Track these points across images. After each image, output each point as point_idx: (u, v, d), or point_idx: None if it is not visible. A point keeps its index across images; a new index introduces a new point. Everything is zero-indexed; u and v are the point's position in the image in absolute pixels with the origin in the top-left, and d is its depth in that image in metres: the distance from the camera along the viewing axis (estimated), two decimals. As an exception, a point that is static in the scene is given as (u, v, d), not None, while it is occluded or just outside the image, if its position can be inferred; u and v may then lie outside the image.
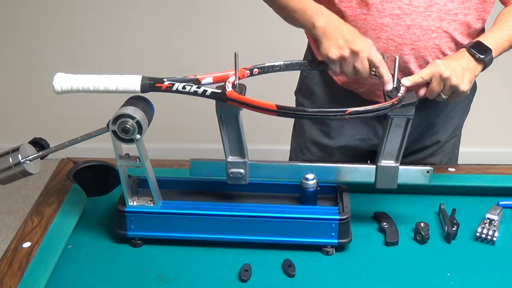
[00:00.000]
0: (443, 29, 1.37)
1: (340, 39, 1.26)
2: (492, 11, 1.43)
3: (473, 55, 1.34)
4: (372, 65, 1.26)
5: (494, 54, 1.35)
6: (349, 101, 1.46)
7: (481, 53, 1.34)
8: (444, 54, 1.41)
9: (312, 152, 1.61)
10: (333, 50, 1.26)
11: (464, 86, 1.31)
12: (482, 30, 1.46)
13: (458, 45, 1.41)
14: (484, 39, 1.37)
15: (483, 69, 1.36)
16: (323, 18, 1.30)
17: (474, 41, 1.37)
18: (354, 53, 1.24)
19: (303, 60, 1.62)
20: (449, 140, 1.61)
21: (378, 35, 1.37)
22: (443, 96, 1.32)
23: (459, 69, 1.30)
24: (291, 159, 1.70)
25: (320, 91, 1.56)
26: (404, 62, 1.40)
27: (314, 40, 1.54)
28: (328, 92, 1.54)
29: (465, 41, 1.41)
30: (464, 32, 1.40)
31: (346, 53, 1.25)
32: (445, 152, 1.62)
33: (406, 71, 1.39)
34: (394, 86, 1.25)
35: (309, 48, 1.61)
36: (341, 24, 1.29)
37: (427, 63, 1.40)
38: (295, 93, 1.66)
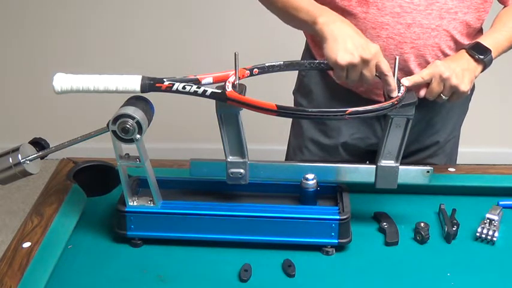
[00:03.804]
0: (443, 28, 1.38)
1: (349, 44, 1.22)
2: (490, 12, 1.43)
3: (472, 56, 1.34)
4: (379, 72, 1.24)
5: (493, 54, 1.35)
6: (348, 100, 1.46)
7: (480, 53, 1.34)
8: (444, 53, 1.41)
9: (311, 151, 1.61)
10: (341, 54, 1.22)
11: (465, 87, 1.31)
12: (480, 31, 1.47)
13: (457, 44, 1.41)
14: (483, 40, 1.37)
15: (483, 69, 1.36)
16: (326, 17, 1.28)
17: (473, 42, 1.37)
18: (365, 61, 1.22)
19: (301, 59, 1.62)
20: (448, 140, 1.61)
21: (378, 33, 1.37)
22: (444, 97, 1.32)
23: (459, 70, 1.31)
24: (289, 158, 1.70)
25: (318, 90, 1.56)
26: (404, 61, 1.40)
27: (312, 39, 1.54)
28: (327, 91, 1.54)
29: (464, 40, 1.42)
30: (464, 31, 1.41)
31: (356, 60, 1.21)
32: (445, 152, 1.62)
33: (405, 70, 1.40)
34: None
35: (306, 48, 1.60)
36: (346, 25, 1.27)
37: (427, 61, 1.40)
38: (293, 93, 1.66)
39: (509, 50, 1.42)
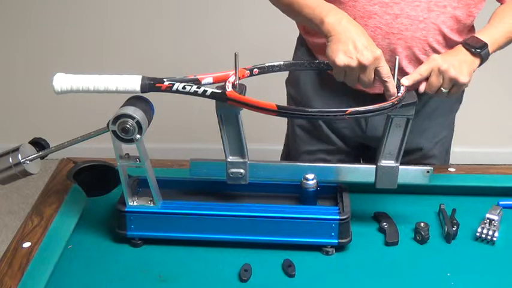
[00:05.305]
0: (432, 21, 1.38)
1: (350, 46, 1.22)
2: (485, 11, 1.44)
3: (469, 49, 1.34)
4: (378, 77, 1.24)
5: (490, 49, 1.36)
6: (335, 89, 1.46)
7: (477, 47, 1.34)
8: (432, 47, 1.41)
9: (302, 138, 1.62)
10: (340, 56, 1.22)
11: (464, 78, 1.30)
12: (471, 28, 1.47)
13: (446, 40, 1.42)
14: (479, 35, 1.38)
15: (480, 63, 1.36)
16: (333, 16, 1.27)
17: (469, 36, 1.38)
18: (362, 66, 1.22)
19: (295, 51, 1.62)
20: (437, 142, 1.60)
21: (366, 22, 1.37)
22: (444, 90, 1.32)
23: (456, 62, 1.31)
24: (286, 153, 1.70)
25: (307, 79, 1.55)
26: (392, 51, 1.40)
27: (304, 27, 1.54)
28: (315, 80, 1.54)
29: (454, 36, 1.42)
30: (454, 26, 1.41)
31: (354, 63, 1.22)
32: (434, 156, 1.61)
33: (393, 61, 1.38)
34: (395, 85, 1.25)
35: (300, 39, 1.60)
36: (352, 26, 1.26)
37: (414, 54, 1.41)
38: (285, 83, 1.66)
39: (506, 45, 1.42)
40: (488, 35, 1.37)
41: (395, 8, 1.36)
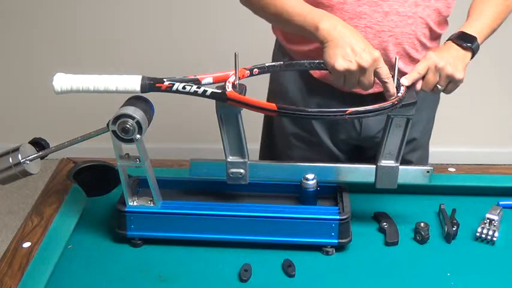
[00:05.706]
0: (419, 15, 1.40)
1: (348, 50, 1.22)
2: (463, 6, 1.46)
3: (460, 45, 1.36)
4: (378, 78, 1.24)
5: (478, 41, 1.37)
6: (325, 95, 1.46)
7: (467, 42, 1.36)
8: (420, 41, 1.43)
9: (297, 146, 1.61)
10: (339, 60, 1.22)
11: (460, 74, 1.31)
12: (447, 21, 1.49)
13: (431, 32, 1.44)
14: (465, 29, 1.39)
15: (471, 57, 1.37)
16: (327, 22, 1.26)
17: (457, 32, 1.39)
18: (362, 69, 1.22)
19: (272, 60, 1.61)
20: (425, 133, 1.62)
21: (356, 23, 1.37)
22: (440, 87, 1.32)
23: (451, 59, 1.32)
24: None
25: (293, 87, 1.54)
26: (384, 49, 1.40)
27: (285, 36, 1.53)
28: (302, 87, 1.53)
29: (436, 28, 1.45)
30: (436, 19, 1.44)
31: (353, 66, 1.22)
32: (422, 147, 1.62)
33: (385, 60, 1.38)
34: (394, 85, 1.25)
35: (278, 47, 1.59)
36: (347, 30, 1.25)
37: (405, 50, 1.42)
38: (268, 94, 1.65)
39: (490, 35, 1.44)
40: (473, 28, 1.39)
41: (384, 5, 1.37)
